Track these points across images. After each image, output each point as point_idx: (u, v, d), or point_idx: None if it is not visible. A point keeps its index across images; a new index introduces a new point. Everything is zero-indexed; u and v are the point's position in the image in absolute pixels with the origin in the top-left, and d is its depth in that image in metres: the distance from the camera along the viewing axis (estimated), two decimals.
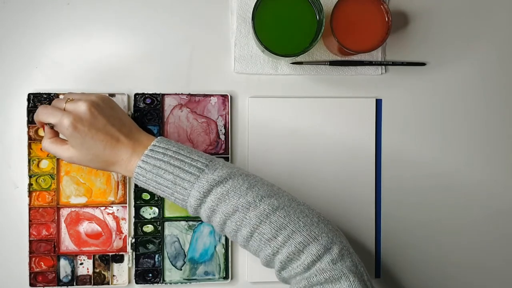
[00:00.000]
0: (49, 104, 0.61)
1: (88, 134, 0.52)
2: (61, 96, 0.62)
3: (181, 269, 0.64)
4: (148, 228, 0.63)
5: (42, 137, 0.62)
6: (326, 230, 0.51)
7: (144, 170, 0.53)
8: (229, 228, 0.52)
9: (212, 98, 0.64)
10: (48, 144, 0.55)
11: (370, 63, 0.65)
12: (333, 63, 0.65)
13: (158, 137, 0.55)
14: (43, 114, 0.54)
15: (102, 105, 0.54)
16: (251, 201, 0.50)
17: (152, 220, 0.63)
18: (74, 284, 0.62)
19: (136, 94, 0.63)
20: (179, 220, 0.64)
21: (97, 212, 0.63)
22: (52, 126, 0.55)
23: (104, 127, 0.53)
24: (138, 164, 0.53)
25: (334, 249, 0.49)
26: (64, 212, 0.63)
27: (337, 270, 0.48)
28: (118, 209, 0.63)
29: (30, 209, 0.62)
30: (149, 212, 0.63)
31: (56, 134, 0.56)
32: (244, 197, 0.51)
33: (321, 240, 0.49)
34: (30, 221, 0.62)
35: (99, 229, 0.63)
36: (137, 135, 0.55)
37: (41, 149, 0.62)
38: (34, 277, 0.62)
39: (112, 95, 0.63)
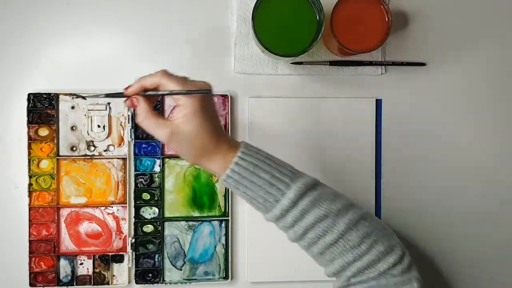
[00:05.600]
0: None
1: (205, 121, 0.50)
2: (62, 97, 0.62)
3: (181, 269, 0.64)
4: (148, 228, 0.63)
5: (42, 137, 0.62)
6: (399, 242, 0.53)
7: (241, 167, 0.50)
8: (313, 234, 0.51)
9: None
10: (148, 118, 0.51)
11: (370, 63, 0.65)
12: (333, 63, 0.65)
13: (243, 141, 0.53)
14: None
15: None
16: (341, 208, 0.51)
17: (152, 220, 0.63)
18: (74, 284, 0.62)
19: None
20: (179, 220, 0.64)
21: (97, 212, 0.63)
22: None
23: (215, 118, 0.52)
24: (235, 160, 0.50)
25: (405, 260, 0.52)
26: (64, 212, 0.63)
27: (405, 278, 0.51)
28: (118, 209, 0.63)
29: (30, 209, 0.62)
30: (149, 212, 0.63)
31: (152, 107, 0.52)
32: (335, 204, 0.51)
33: (397, 250, 0.51)
34: (30, 221, 0.62)
35: (99, 229, 0.63)
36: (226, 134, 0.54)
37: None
38: (34, 277, 0.62)
39: None
